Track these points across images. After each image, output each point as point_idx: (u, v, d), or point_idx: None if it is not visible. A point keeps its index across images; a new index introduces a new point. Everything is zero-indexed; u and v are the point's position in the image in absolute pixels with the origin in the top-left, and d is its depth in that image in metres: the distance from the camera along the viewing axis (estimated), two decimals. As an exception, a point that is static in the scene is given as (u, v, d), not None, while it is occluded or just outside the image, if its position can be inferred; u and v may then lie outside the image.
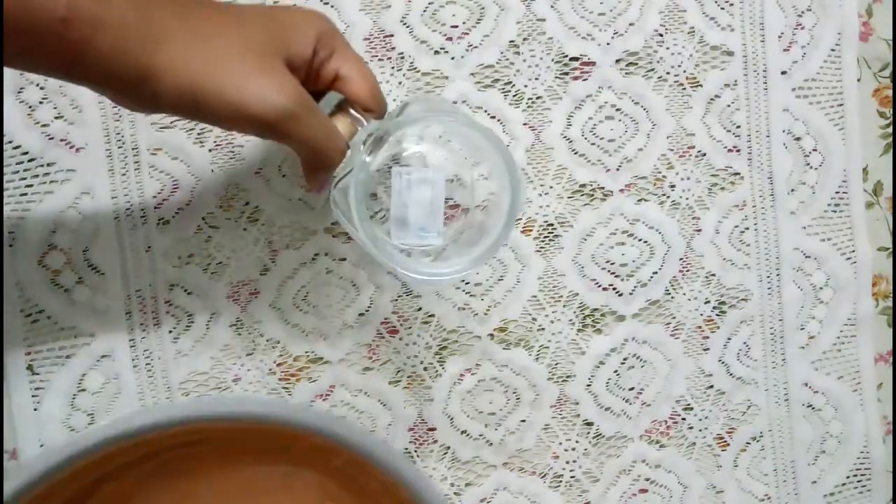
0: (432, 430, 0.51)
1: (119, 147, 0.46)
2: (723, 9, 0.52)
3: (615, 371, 0.52)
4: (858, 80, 0.54)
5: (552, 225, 0.51)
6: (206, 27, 0.33)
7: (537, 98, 0.50)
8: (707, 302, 0.53)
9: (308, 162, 0.37)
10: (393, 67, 0.49)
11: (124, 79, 0.31)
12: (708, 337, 0.54)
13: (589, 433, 0.52)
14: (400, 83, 0.49)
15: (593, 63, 0.51)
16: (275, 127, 0.34)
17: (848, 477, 0.56)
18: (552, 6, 0.50)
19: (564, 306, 0.52)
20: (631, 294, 0.52)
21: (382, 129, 0.37)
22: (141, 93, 0.32)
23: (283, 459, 0.37)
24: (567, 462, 0.52)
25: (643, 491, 0.53)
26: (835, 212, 0.55)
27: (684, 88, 0.52)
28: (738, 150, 0.53)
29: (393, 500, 0.35)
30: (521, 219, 0.51)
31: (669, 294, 0.53)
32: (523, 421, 0.51)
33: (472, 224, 0.49)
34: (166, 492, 0.36)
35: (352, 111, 0.39)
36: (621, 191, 0.52)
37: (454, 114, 0.39)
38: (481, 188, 0.49)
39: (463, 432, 0.51)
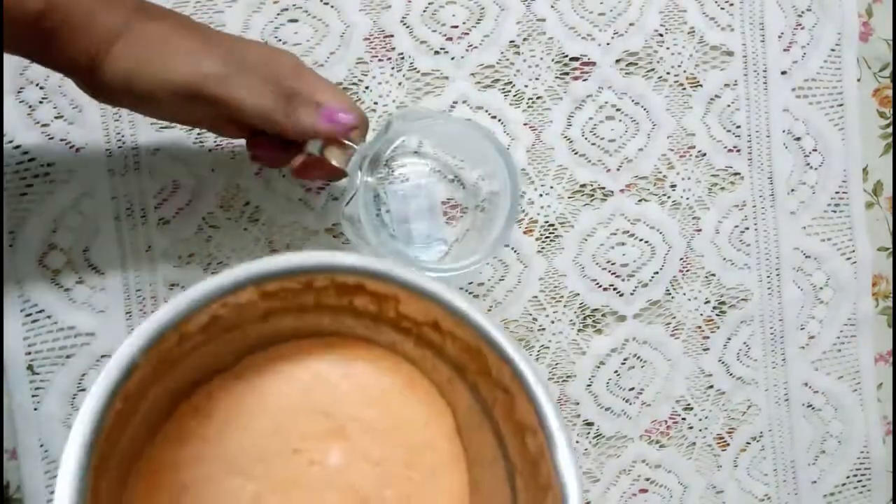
0: (432, 430, 0.51)
1: (119, 147, 0.46)
2: (723, 9, 0.52)
3: (615, 371, 0.52)
4: (858, 80, 0.54)
5: (553, 225, 0.51)
6: (163, 27, 0.35)
7: (537, 98, 0.50)
8: (707, 302, 0.53)
9: (254, 123, 0.37)
10: (393, 68, 0.49)
11: (79, 66, 0.34)
12: (708, 337, 0.54)
13: (589, 433, 0.52)
14: (400, 84, 0.49)
15: (593, 63, 0.51)
16: (202, 91, 0.34)
17: (848, 477, 0.56)
18: (552, 6, 0.50)
19: (565, 306, 0.52)
20: (632, 294, 0.52)
21: (374, 149, 0.37)
22: (92, 80, 0.34)
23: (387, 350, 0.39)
24: (567, 462, 0.52)
25: (643, 491, 0.53)
26: (835, 212, 0.55)
27: (684, 88, 0.52)
28: (738, 150, 0.53)
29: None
30: (522, 219, 0.51)
31: (670, 294, 0.53)
32: (523, 421, 0.51)
33: (475, 223, 0.49)
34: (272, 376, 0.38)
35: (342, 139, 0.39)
36: (622, 191, 0.52)
37: (443, 116, 0.39)
38: (483, 187, 0.49)
39: (463, 432, 0.51)
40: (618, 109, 0.51)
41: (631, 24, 0.51)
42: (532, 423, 0.33)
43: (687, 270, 0.53)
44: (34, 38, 0.33)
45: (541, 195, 0.51)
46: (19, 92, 0.45)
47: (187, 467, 0.35)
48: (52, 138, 0.45)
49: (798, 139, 0.54)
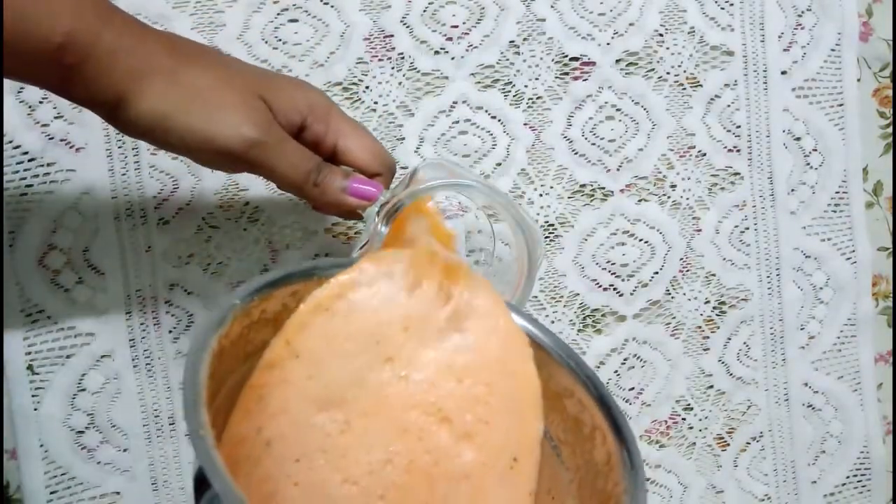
0: (432, 430, 0.51)
1: (119, 147, 0.46)
2: (723, 9, 0.52)
3: (615, 371, 0.52)
4: (858, 80, 0.54)
5: (553, 225, 0.51)
6: (191, 62, 0.34)
7: (538, 98, 0.50)
8: (707, 302, 0.53)
9: (284, 189, 0.38)
10: (393, 68, 0.49)
11: (103, 102, 0.33)
12: (708, 337, 0.54)
13: (589, 433, 0.52)
14: (400, 83, 0.49)
15: (593, 63, 0.51)
16: (240, 157, 0.35)
17: (848, 477, 0.56)
18: (552, 6, 0.50)
19: (565, 306, 0.52)
20: (632, 294, 0.52)
21: (395, 199, 0.38)
22: (116, 116, 0.34)
23: None
24: (567, 462, 0.52)
25: (643, 491, 0.53)
26: (835, 212, 0.55)
27: (684, 88, 0.52)
28: (738, 150, 0.53)
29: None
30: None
31: (670, 294, 0.53)
32: (523, 421, 0.51)
33: (493, 267, 0.48)
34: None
35: None
36: (622, 191, 0.52)
37: (468, 179, 0.39)
38: (500, 244, 0.48)
39: (463, 432, 0.51)
40: (618, 109, 0.51)
41: (631, 24, 0.51)
42: (568, 384, 0.36)
43: (687, 270, 0.53)
44: (55, 72, 0.32)
45: (541, 195, 0.51)
46: (19, 92, 0.45)
47: (270, 424, 0.35)
48: (52, 138, 0.45)
49: (798, 139, 0.54)
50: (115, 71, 0.33)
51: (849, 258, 0.55)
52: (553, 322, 0.51)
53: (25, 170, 0.45)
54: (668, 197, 0.52)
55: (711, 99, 0.52)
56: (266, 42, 0.47)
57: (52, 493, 0.46)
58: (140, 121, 0.33)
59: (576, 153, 0.51)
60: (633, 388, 0.53)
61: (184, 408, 0.27)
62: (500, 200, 0.39)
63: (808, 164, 0.54)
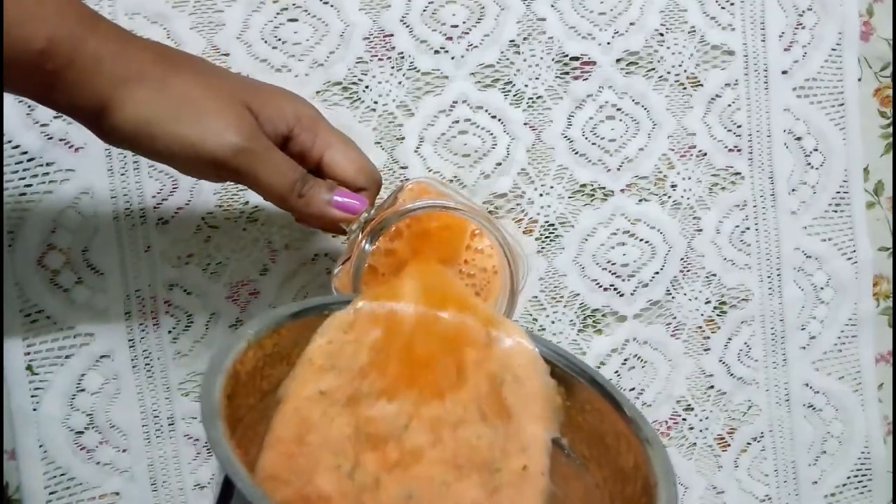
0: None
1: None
2: (723, 8, 0.52)
3: (616, 372, 0.52)
4: (859, 80, 0.54)
5: (553, 225, 0.51)
6: (177, 70, 0.34)
7: (538, 98, 0.50)
8: (708, 302, 0.53)
9: (268, 199, 0.38)
10: (393, 67, 0.48)
11: (86, 109, 0.33)
12: (709, 337, 0.54)
13: (589, 433, 0.52)
14: (400, 83, 0.49)
15: (594, 63, 0.51)
16: (225, 164, 0.34)
17: (849, 477, 0.56)
18: (552, 5, 0.50)
19: (565, 307, 0.51)
20: (632, 294, 0.52)
21: (380, 217, 0.38)
22: (99, 124, 0.33)
23: None
24: (567, 462, 0.52)
25: (644, 491, 0.53)
26: (836, 212, 0.54)
27: (685, 88, 0.52)
28: (738, 150, 0.53)
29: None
30: (522, 219, 0.51)
31: (670, 294, 0.53)
32: (524, 421, 0.51)
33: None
34: None
35: None
36: (622, 191, 0.52)
37: (451, 201, 0.40)
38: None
39: (463, 433, 0.51)
40: (618, 109, 0.51)
41: (631, 24, 0.51)
42: (585, 396, 0.37)
43: (687, 270, 0.53)
44: (37, 79, 0.32)
45: (541, 195, 0.51)
46: (18, 91, 0.45)
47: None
48: (51, 138, 0.45)
49: (799, 139, 0.54)
50: (98, 77, 0.32)
51: (850, 258, 0.55)
52: (553, 322, 0.51)
53: (24, 170, 0.45)
54: (669, 197, 0.52)
55: (712, 98, 0.52)
56: (265, 41, 0.47)
57: (51, 493, 0.46)
58: (124, 127, 0.33)
59: (576, 153, 0.51)
60: (633, 389, 0.53)
61: (202, 419, 0.28)
62: (484, 223, 0.39)
63: (809, 163, 0.54)
